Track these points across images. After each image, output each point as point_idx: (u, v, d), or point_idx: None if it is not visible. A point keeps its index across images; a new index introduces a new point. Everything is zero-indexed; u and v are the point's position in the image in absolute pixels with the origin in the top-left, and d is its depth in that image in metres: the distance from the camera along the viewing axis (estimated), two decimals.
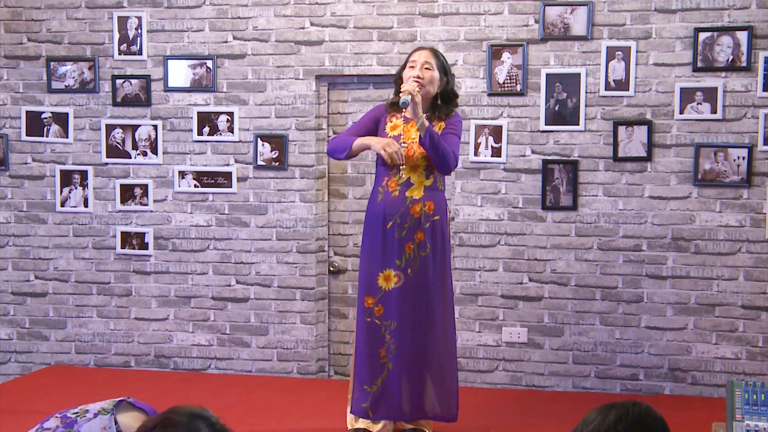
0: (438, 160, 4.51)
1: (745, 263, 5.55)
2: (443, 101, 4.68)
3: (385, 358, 4.60)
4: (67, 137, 6.27)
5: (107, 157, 6.23)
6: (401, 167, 4.58)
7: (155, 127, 6.17)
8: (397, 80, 4.70)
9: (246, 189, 6.10)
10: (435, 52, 4.68)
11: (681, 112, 5.57)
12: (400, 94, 4.49)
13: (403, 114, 4.64)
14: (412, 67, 4.62)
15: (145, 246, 6.22)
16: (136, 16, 6.15)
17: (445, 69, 4.67)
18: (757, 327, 5.56)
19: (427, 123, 4.48)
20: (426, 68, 4.59)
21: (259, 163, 6.05)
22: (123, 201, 6.23)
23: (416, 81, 4.54)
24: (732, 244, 5.56)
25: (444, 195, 4.72)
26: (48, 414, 2.96)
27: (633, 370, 5.71)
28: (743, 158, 5.49)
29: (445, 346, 4.67)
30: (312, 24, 5.97)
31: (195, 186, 6.14)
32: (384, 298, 4.59)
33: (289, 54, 6.00)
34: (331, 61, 5.94)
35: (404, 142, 4.58)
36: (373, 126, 4.71)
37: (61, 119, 6.26)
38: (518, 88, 5.73)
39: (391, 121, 4.68)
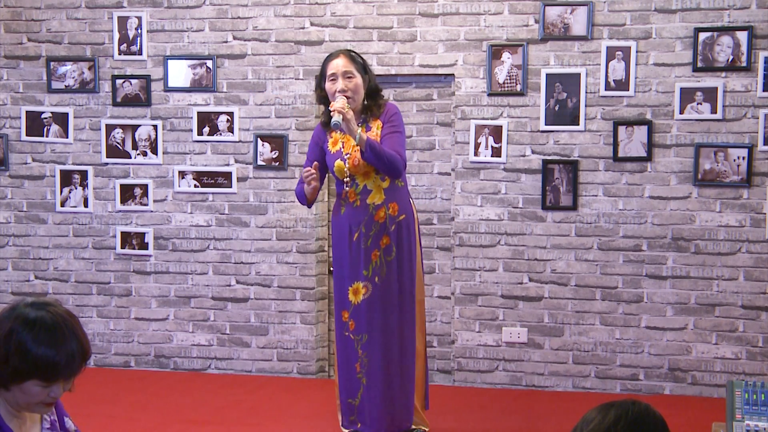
0: (384, 168, 4.43)
1: (745, 263, 5.55)
2: (368, 99, 4.58)
3: (360, 373, 4.57)
4: (67, 137, 6.27)
5: (107, 157, 6.24)
6: (353, 177, 4.51)
7: (155, 127, 6.17)
8: (320, 93, 4.60)
9: (246, 189, 6.10)
10: (351, 56, 4.57)
11: (681, 112, 5.57)
12: (331, 114, 4.39)
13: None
14: (333, 80, 4.50)
15: (145, 246, 6.22)
16: (136, 16, 6.15)
17: (365, 68, 4.58)
18: (757, 327, 5.56)
19: (365, 136, 4.38)
20: (348, 77, 4.49)
21: (259, 163, 6.05)
22: (123, 201, 6.23)
23: (343, 96, 4.43)
24: (732, 244, 5.56)
25: (406, 190, 4.65)
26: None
27: (633, 370, 5.71)
28: (743, 158, 5.49)
29: (410, 352, 4.61)
30: (312, 24, 5.97)
31: (195, 186, 6.14)
32: (354, 312, 4.56)
33: (289, 54, 6.00)
34: None
35: (347, 154, 4.51)
36: (320, 151, 4.65)
37: (61, 119, 6.26)
38: (518, 88, 5.73)
39: (331, 137, 4.61)
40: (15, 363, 2.37)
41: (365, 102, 4.57)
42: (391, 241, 4.53)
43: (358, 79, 4.52)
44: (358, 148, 4.44)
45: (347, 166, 4.51)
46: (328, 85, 4.52)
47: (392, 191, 4.55)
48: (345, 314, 4.59)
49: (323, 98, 4.60)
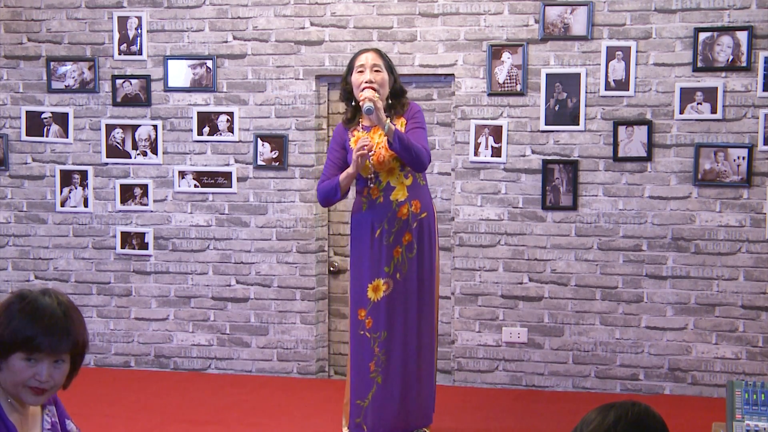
0: (411, 160, 4.46)
1: (745, 263, 5.55)
2: (393, 98, 4.62)
3: (375, 372, 4.56)
4: (67, 137, 6.27)
5: (107, 157, 6.24)
6: (376, 174, 4.53)
7: (155, 127, 6.17)
8: (345, 86, 4.64)
9: (246, 189, 6.10)
10: (380, 53, 4.65)
11: (681, 112, 5.57)
12: (361, 102, 4.44)
13: (361, 124, 4.58)
14: (360, 71, 4.55)
15: (145, 246, 6.22)
16: (136, 16, 6.15)
17: (390, 68, 4.64)
18: (757, 327, 5.56)
19: (393, 126, 4.43)
20: (376, 70, 4.55)
21: (259, 163, 6.05)
22: (123, 201, 6.23)
23: (370, 87, 4.48)
24: (732, 244, 5.56)
25: (427, 188, 4.69)
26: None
27: (633, 370, 5.71)
28: (743, 158, 5.49)
29: (431, 348, 4.63)
30: (312, 24, 5.97)
31: (195, 186, 6.15)
32: (373, 309, 4.56)
33: (289, 54, 6.00)
34: (331, 61, 5.94)
35: (371, 151, 4.53)
36: (342, 150, 4.65)
37: (61, 119, 6.26)
38: (518, 88, 5.73)
39: (354, 135, 4.62)
40: (1, 332, 2.46)
41: (389, 101, 4.61)
42: (413, 238, 4.55)
43: (385, 75, 4.57)
44: (382, 144, 4.48)
45: (371, 162, 4.52)
46: (354, 76, 4.57)
47: (415, 189, 4.58)
48: (362, 312, 4.59)
49: (348, 93, 4.63)
